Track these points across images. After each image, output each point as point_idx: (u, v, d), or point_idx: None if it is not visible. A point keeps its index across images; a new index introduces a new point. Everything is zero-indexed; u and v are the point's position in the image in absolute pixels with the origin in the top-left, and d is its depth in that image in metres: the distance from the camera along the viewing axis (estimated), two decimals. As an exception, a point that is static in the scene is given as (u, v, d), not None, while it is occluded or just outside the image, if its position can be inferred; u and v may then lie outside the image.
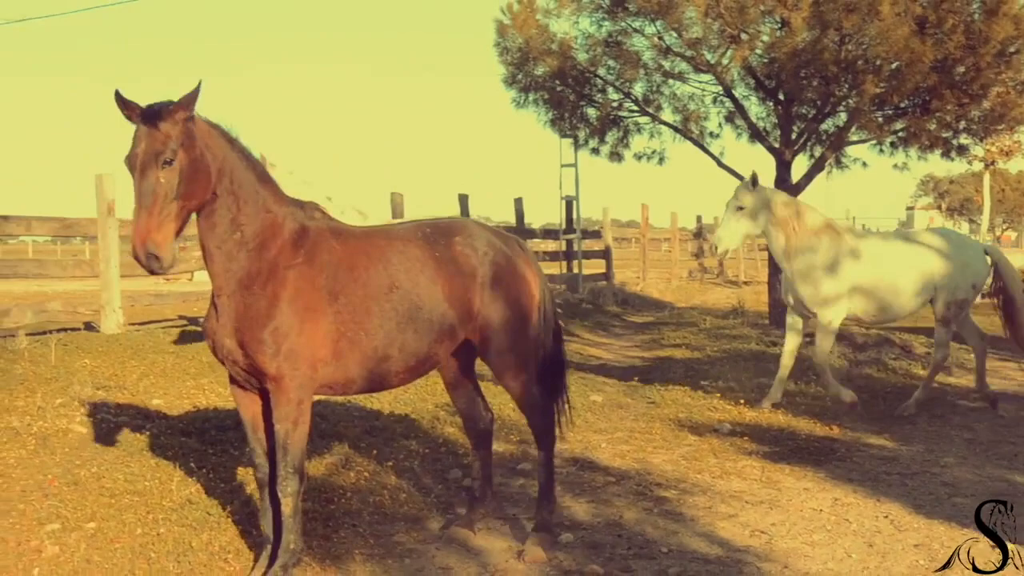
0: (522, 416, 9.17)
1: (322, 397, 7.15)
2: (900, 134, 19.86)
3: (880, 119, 18.98)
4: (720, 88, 20.28)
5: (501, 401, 8.65)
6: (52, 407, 9.30)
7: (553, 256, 24.91)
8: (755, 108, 20.97)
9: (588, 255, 26.51)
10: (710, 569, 6.18)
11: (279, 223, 5.65)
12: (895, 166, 21.55)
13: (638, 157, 22.15)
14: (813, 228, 10.75)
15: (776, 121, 20.43)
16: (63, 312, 13.91)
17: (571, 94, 21.04)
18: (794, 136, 20.07)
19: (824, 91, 18.60)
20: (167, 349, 12.42)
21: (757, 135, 20.57)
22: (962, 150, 20.65)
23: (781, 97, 19.76)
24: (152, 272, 5.18)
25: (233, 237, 5.50)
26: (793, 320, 11.19)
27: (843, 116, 19.78)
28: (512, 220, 23.72)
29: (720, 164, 20.88)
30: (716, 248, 11.02)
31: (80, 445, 8.03)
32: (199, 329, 13.24)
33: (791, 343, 11.10)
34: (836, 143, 20.05)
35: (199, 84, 5.27)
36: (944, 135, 19.81)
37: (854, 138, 20.30)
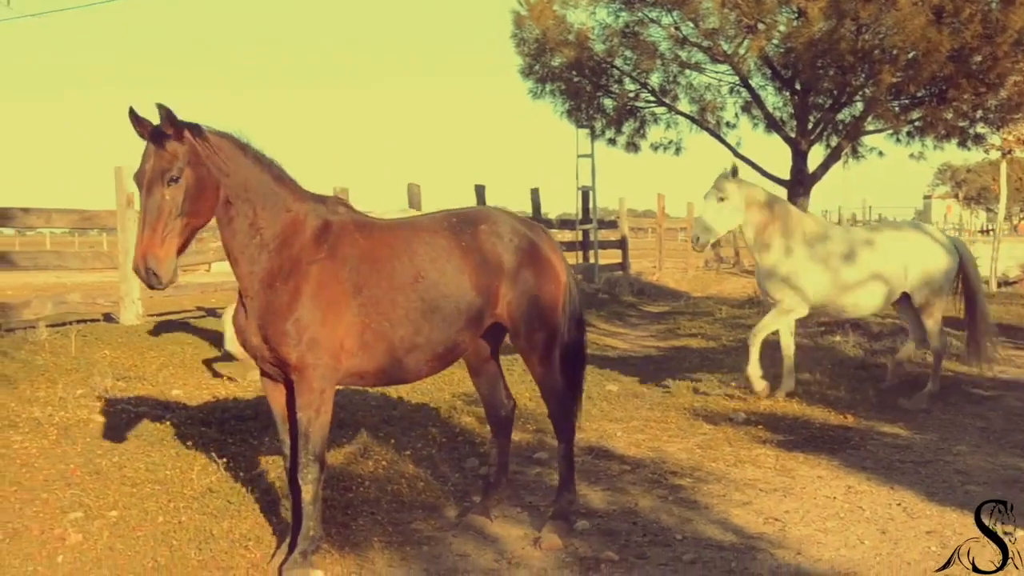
0: (539, 405, 9.28)
1: (341, 387, 7.21)
2: (916, 123, 19.85)
3: (897, 108, 18.99)
4: (737, 78, 20.31)
5: (517, 391, 8.71)
6: (73, 398, 9.41)
7: (569, 246, 24.91)
8: (771, 98, 21.00)
9: (604, 245, 26.53)
10: (724, 556, 6.24)
11: (300, 220, 5.74)
12: (911, 155, 21.49)
13: (655, 147, 22.19)
14: (788, 221, 10.76)
15: (792, 111, 20.44)
16: (83, 303, 14.01)
17: (588, 85, 21.08)
18: (810, 126, 20.08)
19: (841, 81, 18.61)
20: (185, 340, 12.54)
21: (773, 125, 20.58)
22: (979, 139, 20.63)
23: (798, 87, 19.77)
24: (151, 287, 5.25)
25: (253, 241, 5.61)
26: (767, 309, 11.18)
27: (859, 106, 19.79)
28: (529, 210, 23.77)
29: (736, 154, 20.90)
30: (698, 239, 10.80)
31: (101, 435, 8.13)
32: (217, 320, 13.34)
33: (783, 331, 11.11)
34: (852, 133, 20.05)
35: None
36: (961, 124, 19.80)
37: (870, 128, 20.30)
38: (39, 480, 6.97)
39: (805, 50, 17.45)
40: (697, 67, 20.39)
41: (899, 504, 7.31)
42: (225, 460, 7.35)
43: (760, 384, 10.71)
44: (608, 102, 21.57)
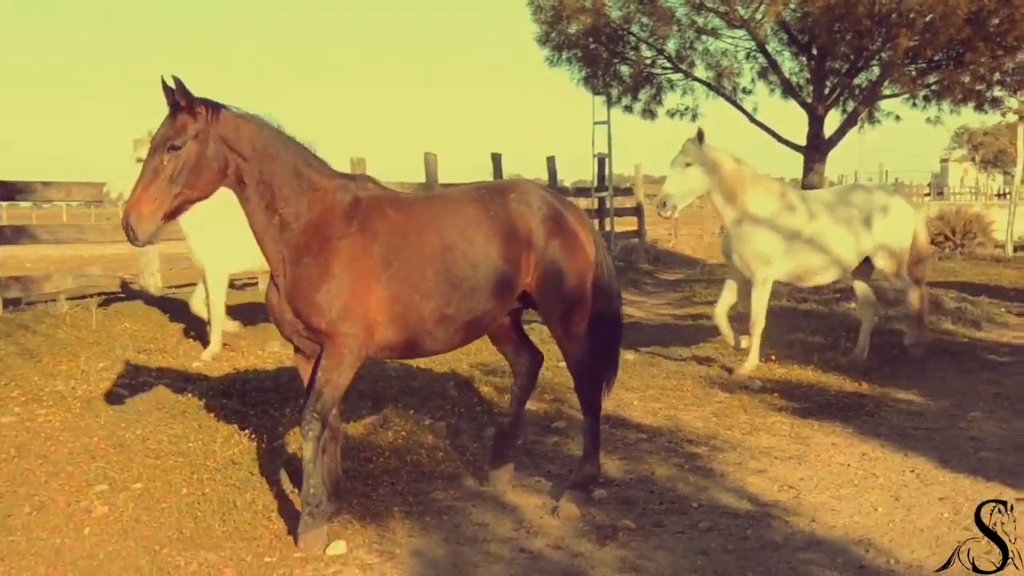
0: (555, 375, 9.38)
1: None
2: (933, 87, 19.82)
3: (913, 72, 18.97)
4: (753, 43, 20.30)
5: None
6: (95, 371, 9.55)
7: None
8: (788, 63, 21.01)
9: (620, 212, 26.50)
10: (740, 523, 6.31)
11: (329, 197, 5.83)
12: (928, 120, 21.49)
13: (671, 114, 22.23)
14: (756, 188, 10.66)
15: (809, 76, 20.43)
16: (103, 276, 14.16)
17: (604, 52, 21.10)
18: (827, 91, 20.07)
19: (857, 45, 18.58)
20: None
21: (790, 90, 20.56)
22: (996, 103, 20.59)
23: (814, 52, 19.76)
24: (129, 241, 5.48)
25: (272, 222, 5.72)
26: (731, 279, 11.04)
27: (876, 70, 19.77)
28: (545, 178, 23.75)
29: (753, 120, 20.92)
30: (664, 205, 10.61)
31: (123, 408, 8.26)
32: (236, 292, 13.45)
33: (726, 301, 10.98)
34: (869, 97, 20.03)
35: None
36: (978, 88, 19.76)
37: (887, 92, 20.28)
38: (64, 453, 7.10)
39: (822, 14, 17.43)
40: (714, 33, 20.38)
41: (912, 471, 7.37)
42: (247, 432, 7.47)
43: (749, 367, 10.61)
44: (624, 69, 21.59)
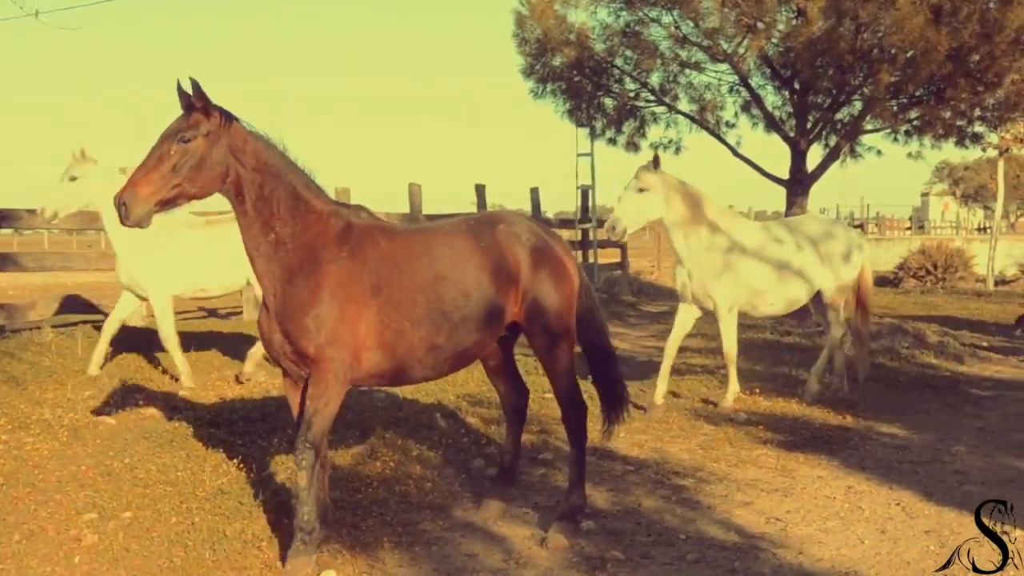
0: (542, 407, 9.41)
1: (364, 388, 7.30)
2: (915, 122, 19.95)
3: (895, 108, 19.08)
4: (736, 77, 20.40)
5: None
6: (82, 399, 9.53)
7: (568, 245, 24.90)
8: (771, 97, 21.10)
9: (603, 244, 26.51)
10: (727, 555, 6.34)
11: (323, 221, 5.90)
12: (909, 155, 21.58)
13: (654, 147, 22.23)
14: (709, 216, 10.59)
15: (791, 110, 20.53)
16: (86, 304, 14.11)
17: (588, 84, 21.17)
18: (809, 125, 20.17)
19: (839, 80, 18.71)
20: (189, 341, 12.61)
21: (773, 124, 20.66)
22: (976, 138, 20.73)
23: (797, 86, 19.87)
24: (120, 219, 5.49)
25: (268, 239, 5.76)
26: (686, 309, 10.86)
27: (858, 105, 19.89)
28: (528, 209, 23.82)
29: (736, 154, 21.00)
30: (614, 229, 10.57)
31: (111, 436, 8.25)
32: (220, 321, 13.45)
33: (680, 331, 10.87)
34: (851, 132, 20.14)
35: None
36: (959, 123, 19.89)
37: (869, 127, 20.39)
38: (52, 481, 7.08)
39: (804, 49, 17.56)
40: (697, 66, 20.49)
41: (898, 504, 7.42)
42: (235, 461, 7.47)
43: (732, 396, 10.59)
44: (608, 101, 21.67)
